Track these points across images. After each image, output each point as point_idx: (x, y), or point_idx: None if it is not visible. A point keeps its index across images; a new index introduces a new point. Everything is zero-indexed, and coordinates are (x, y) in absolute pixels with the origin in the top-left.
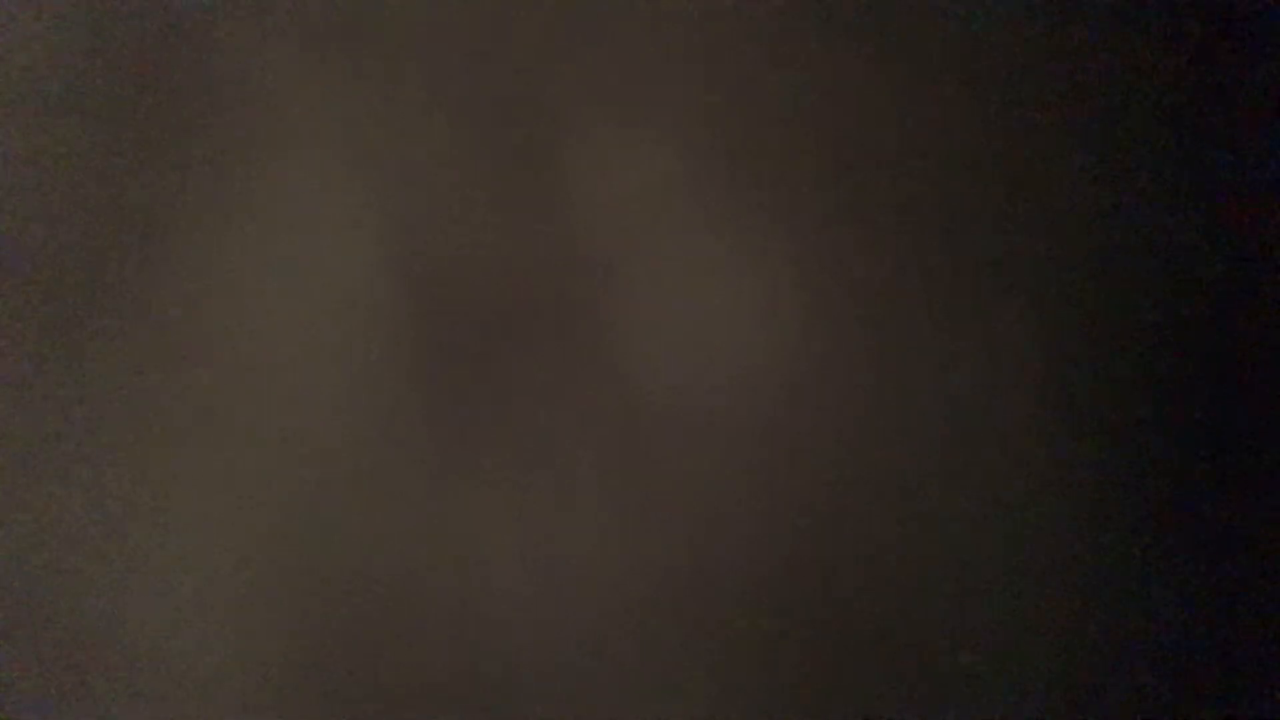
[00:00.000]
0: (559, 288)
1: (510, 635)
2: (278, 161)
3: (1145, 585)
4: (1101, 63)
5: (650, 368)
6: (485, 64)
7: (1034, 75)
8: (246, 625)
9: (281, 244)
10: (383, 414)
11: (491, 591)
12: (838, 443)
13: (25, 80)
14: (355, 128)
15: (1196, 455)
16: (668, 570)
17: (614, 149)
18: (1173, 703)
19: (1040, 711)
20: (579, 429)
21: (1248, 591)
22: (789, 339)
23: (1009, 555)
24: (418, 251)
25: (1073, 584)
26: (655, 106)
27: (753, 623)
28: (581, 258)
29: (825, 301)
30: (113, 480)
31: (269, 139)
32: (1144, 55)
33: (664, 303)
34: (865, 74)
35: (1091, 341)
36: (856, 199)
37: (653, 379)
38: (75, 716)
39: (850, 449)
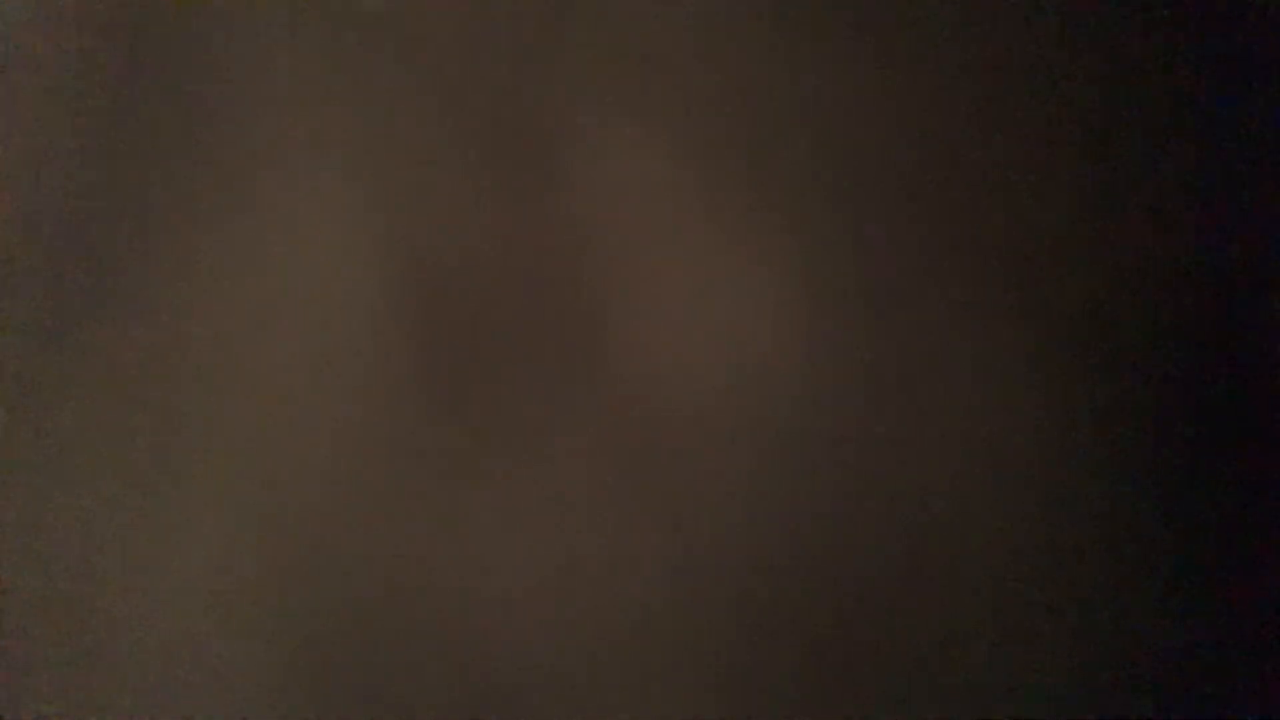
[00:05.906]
0: (560, 289)
1: (511, 635)
2: (278, 165)
3: (1144, 584)
4: (1102, 63)
5: (652, 368)
6: (487, 65)
7: (1036, 76)
8: (247, 626)
9: (282, 247)
10: (384, 414)
11: (492, 591)
12: (840, 442)
13: (27, 82)
14: (357, 130)
15: (1197, 455)
16: (669, 570)
17: (616, 150)
18: (1172, 703)
19: (1040, 711)
20: (580, 430)
21: (1248, 593)
22: (791, 339)
23: (1010, 554)
24: (419, 253)
25: (1074, 583)
26: (657, 107)
27: (754, 622)
28: (582, 259)
29: (827, 301)
30: (116, 484)
31: (270, 142)
32: (1143, 55)
33: (666, 303)
34: (869, 74)
35: (1094, 342)
36: (860, 199)
37: (654, 379)
38: (78, 717)
39: (852, 449)
